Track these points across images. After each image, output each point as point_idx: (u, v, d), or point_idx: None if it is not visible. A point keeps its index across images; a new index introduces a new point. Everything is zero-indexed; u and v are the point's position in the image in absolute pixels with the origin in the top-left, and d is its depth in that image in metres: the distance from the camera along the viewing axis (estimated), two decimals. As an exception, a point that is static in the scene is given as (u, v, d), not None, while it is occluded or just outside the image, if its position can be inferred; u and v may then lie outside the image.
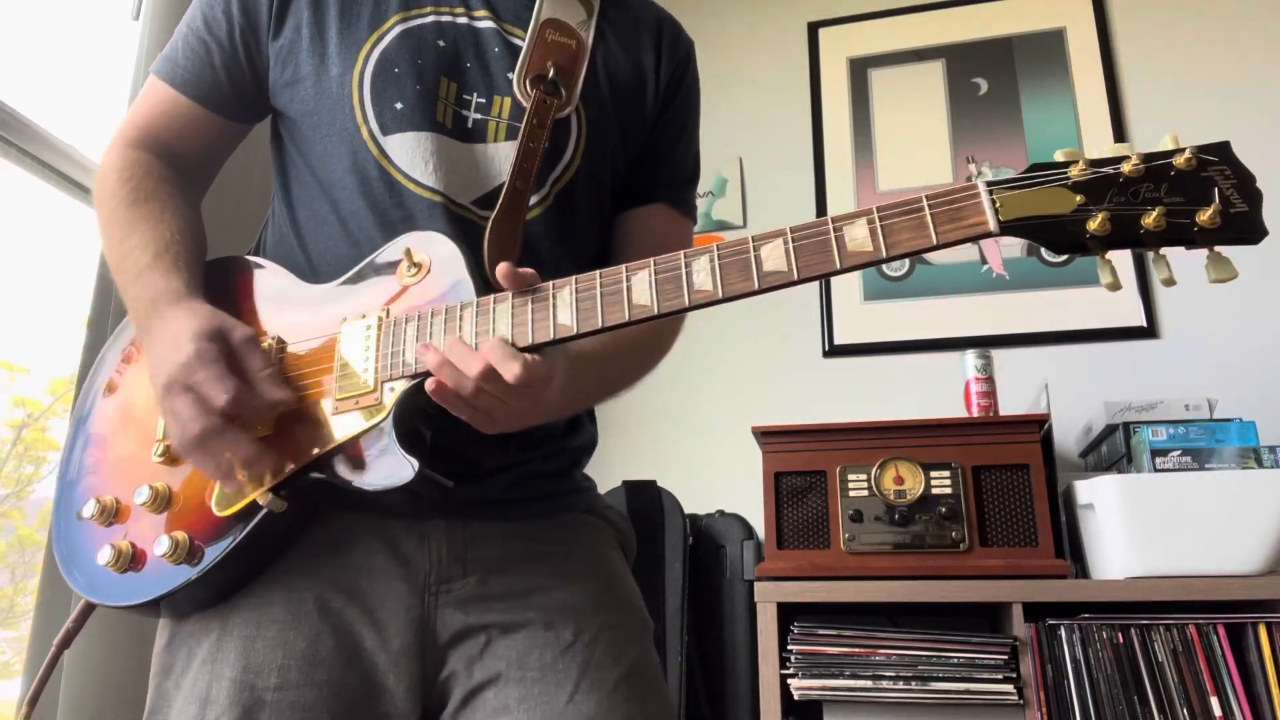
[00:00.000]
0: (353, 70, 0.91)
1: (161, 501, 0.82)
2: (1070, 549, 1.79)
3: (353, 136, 0.90)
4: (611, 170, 0.99)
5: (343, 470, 0.78)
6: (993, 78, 2.49)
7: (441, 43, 0.93)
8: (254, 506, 0.78)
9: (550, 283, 0.77)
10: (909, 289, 2.39)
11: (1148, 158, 0.68)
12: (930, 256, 2.40)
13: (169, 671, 0.83)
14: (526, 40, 0.95)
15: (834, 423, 1.86)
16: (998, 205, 0.69)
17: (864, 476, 1.77)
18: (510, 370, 0.71)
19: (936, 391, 2.19)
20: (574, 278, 0.77)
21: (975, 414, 1.93)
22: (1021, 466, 1.73)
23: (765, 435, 1.85)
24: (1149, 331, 2.21)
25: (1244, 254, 2.25)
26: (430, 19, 0.94)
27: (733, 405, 2.40)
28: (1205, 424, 1.73)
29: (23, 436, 1.66)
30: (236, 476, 0.78)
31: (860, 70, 2.60)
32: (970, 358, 1.98)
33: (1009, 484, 1.74)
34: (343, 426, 0.79)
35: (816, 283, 2.44)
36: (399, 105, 0.90)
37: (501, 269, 0.77)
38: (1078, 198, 0.69)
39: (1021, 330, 2.28)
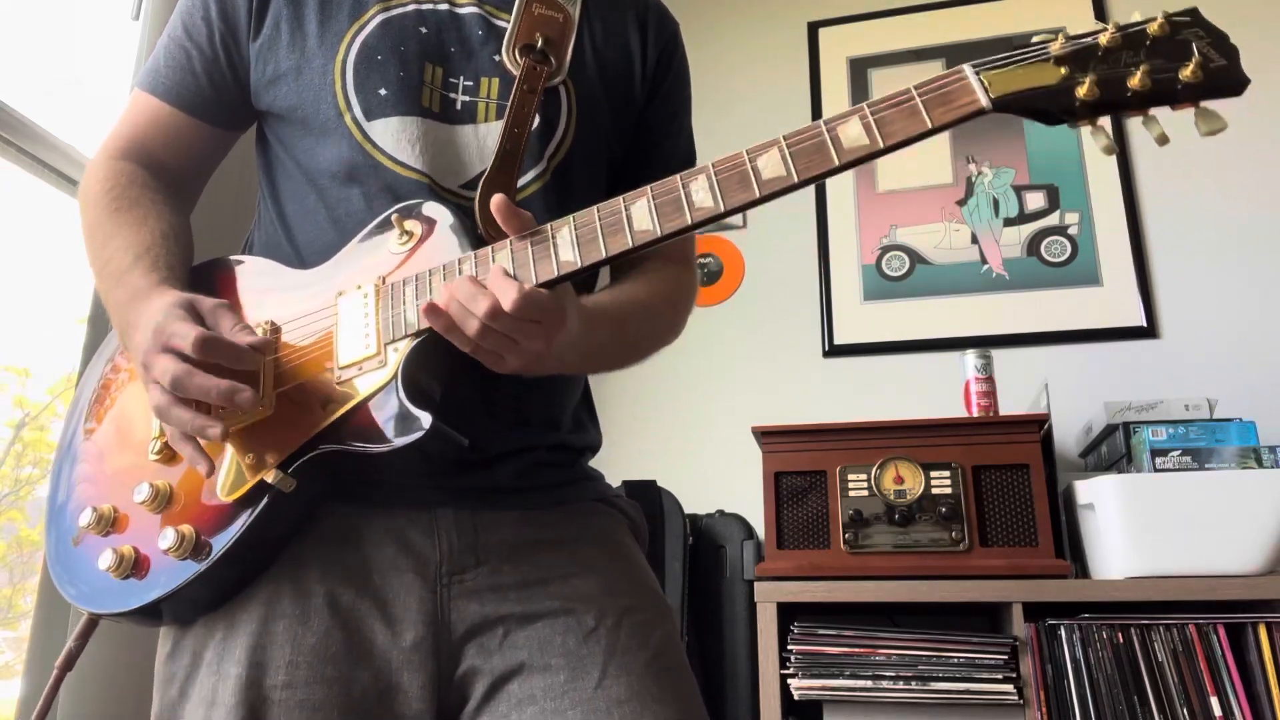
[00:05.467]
0: (334, 60, 0.91)
1: (162, 499, 0.80)
2: (1070, 549, 1.79)
3: (337, 125, 0.89)
4: (606, 149, 0.99)
5: (354, 437, 0.76)
6: (993, 78, 2.49)
7: (424, 29, 0.93)
8: (261, 489, 0.76)
9: (548, 224, 0.76)
10: (909, 289, 2.39)
11: (1122, 27, 0.71)
12: (931, 255, 2.40)
13: (173, 680, 0.81)
14: (513, 15, 0.95)
15: (834, 423, 1.86)
16: (986, 84, 0.70)
17: (864, 476, 1.77)
18: (508, 297, 0.70)
19: (936, 391, 2.19)
20: (571, 216, 0.76)
21: (975, 414, 1.93)
22: (1021, 466, 1.73)
23: (765, 435, 1.85)
24: (1149, 331, 2.21)
25: (1243, 255, 2.24)
26: (411, 8, 0.94)
27: (733, 405, 2.40)
28: (1205, 424, 1.73)
29: (21, 436, 1.66)
30: (210, 430, 0.74)
31: (860, 70, 2.60)
32: (970, 358, 1.98)
33: (1009, 484, 1.74)
34: (349, 393, 0.77)
35: (816, 282, 2.45)
36: (383, 91, 0.89)
37: (497, 199, 0.75)
38: (1062, 69, 0.71)
39: (1021, 330, 2.28)
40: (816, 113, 2.58)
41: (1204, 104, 0.69)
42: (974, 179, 2.44)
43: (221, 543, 0.77)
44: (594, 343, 0.83)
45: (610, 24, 1.02)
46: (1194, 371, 2.15)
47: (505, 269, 0.74)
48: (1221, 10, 2.50)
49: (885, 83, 2.57)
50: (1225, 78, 0.68)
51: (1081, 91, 0.69)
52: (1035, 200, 2.38)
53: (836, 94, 2.59)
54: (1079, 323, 2.26)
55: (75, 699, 1.27)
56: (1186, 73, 0.68)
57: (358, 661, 0.79)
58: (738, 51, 2.71)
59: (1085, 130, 0.72)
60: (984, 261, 2.37)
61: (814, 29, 2.67)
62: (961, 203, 2.42)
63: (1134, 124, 2.49)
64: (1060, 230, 2.34)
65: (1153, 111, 0.70)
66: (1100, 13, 2.45)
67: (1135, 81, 0.68)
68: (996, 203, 2.41)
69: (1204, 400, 1.81)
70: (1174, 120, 0.72)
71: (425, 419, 0.73)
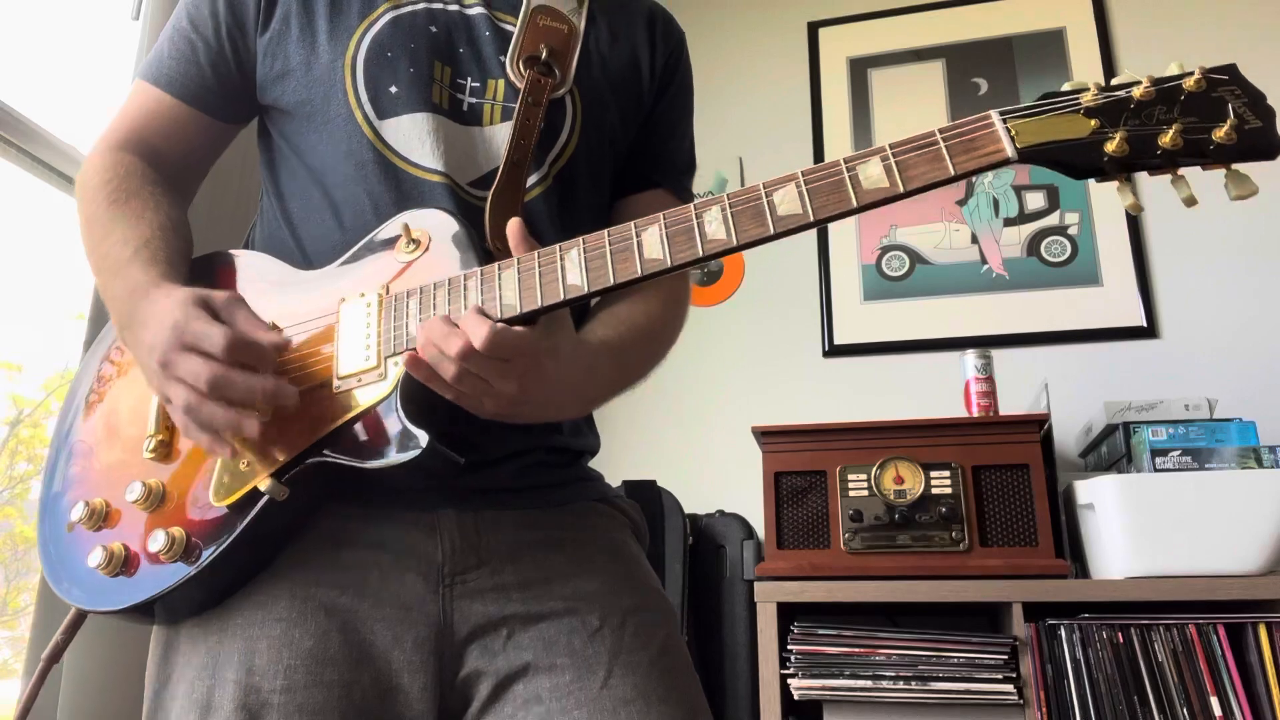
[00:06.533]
0: (344, 56, 0.90)
1: (155, 498, 0.79)
2: (1070, 549, 1.79)
3: (346, 122, 0.89)
4: (610, 154, 0.99)
5: (349, 450, 0.75)
6: (993, 78, 2.49)
7: (433, 28, 0.93)
8: (254, 495, 0.75)
9: (556, 245, 0.75)
10: (909, 289, 2.39)
11: (1158, 81, 0.68)
12: (931, 255, 2.40)
13: (166, 682, 0.80)
14: (518, 24, 0.95)
15: (834, 423, 1.86)
16: (1013, 133, 0.68)
17: (864, 476, 1.77)
18: (479, 335, 0.69)
19: (936, 391, 2.19)
20: (581, 238, 0.74)
21: (975, 414, 1.93)
22: (1021, 466, 1.73)
23: (765, 435, 1.85)
24: (1149, 331, 2.21)
25: (1243, 255, 2.24)
26: (421, 6, 0.94)
27: (733, 405, 2.40)
28: (1205, 424, 1.73)
29: (18, 434, 1.66)
30: (245, 425, 0.73)
31: (860, 70, 2.60)
32: (970, 358, 1.98)
33: (1009, 484, 1.73)
34: (346, 405, 0.76)
35: (816, 282, 2.44)
36: (394, 89, 0.89)
37: (514, 224, 0.75)
38: (1092, 122, 0.68)
39: (1021, 330, 2.28)
40: (816, 113, 2.59)
41: (1235, 166, 0.67)
42: (974, 179, 2.44)
43: (212, 548, 0.76)
44: (596, 382, 0.83)
45: (617, 29, 1.03)
46: (1194, 371, 2.15)
47: (479, 307, 0.73)
48: (1221, 10, 2.49)
49: (885, 83, 2.57)
50: (1260, 140, 0.66)
51: (1111, 147, 0.67)
52: (1035, 200, 2.38)
53: (836, 94, 2.59)
54: (1079, 323, 2.26)
55: (73, 697, 1.26)
56: (1220, 134, 0.66)
57: (357, 664, 0.78)
58: (738, 51, 2.70)
59: (1111, 185, 0.70)
60: (984, 261, 2.37)
61: (814, 29, 2.67)
62: (961, 203, 2.42)
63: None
64: (1060, 230, 2.34)
65: (1182, 171, 0.68)
66: (1100, 13, 2.45)
67: (1167, 140, 0.66)
68: (996, 203, 2.40)
69: (1204, 400, 1.81)
70: (1201, 170, 0.69)
71: (422, 438, 0.72)
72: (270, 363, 0.76)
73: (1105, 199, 2.33)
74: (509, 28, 0.95)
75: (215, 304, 0.77)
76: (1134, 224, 2.30)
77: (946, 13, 2.58)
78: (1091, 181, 2.38)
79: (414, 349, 0.76)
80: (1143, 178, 0.70)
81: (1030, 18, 2.51)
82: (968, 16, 2.56)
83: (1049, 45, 2.47)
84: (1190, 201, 0.68)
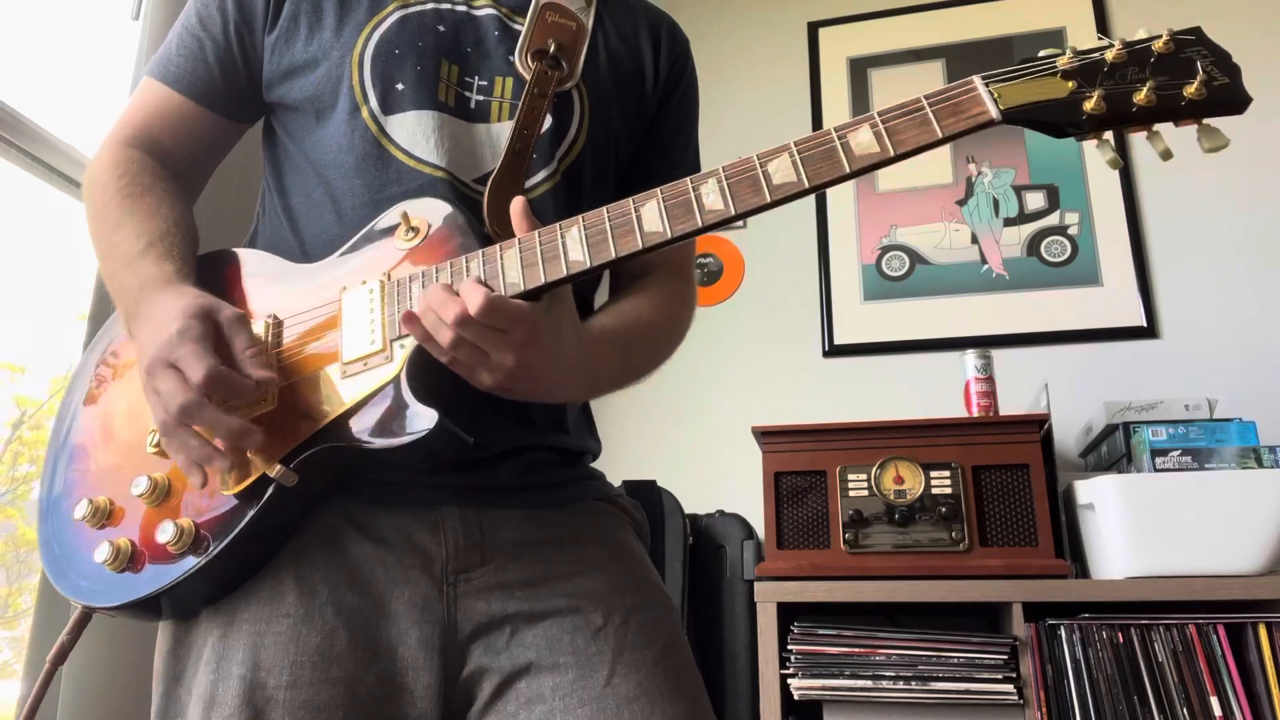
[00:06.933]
0: (352, 53, 0.91)
1: (161, 492, 0.79)
2: (1070, 549, 1.79)
3: (352, 118, 0.89)
4: (615, 155, 0.99)
5: (358, 433, 0.75)
6: (993, 78, 2.49)
7: (441, 27, 0.94)
8: (262, 483, 0.75)
9: (557, 224, 0.75)
10: (909, 289, 2.39)
11: (1129, 44, 0.72)
12: (931, 255, 2.40)
13: (172, 678, 0.80)
14: (527, 21, 0.96)
15: (834, 423, 1.86)
16: (996, 96, 0.71)
17: (864, 476, 1.77)
18: (474, 302, 0.69)
19: (936, 391, 2.19)
20: (580, 216, 0.75)
21: (975, 414, 1.93)
22: (1021, 466, 1.73)
23: (765, 435, 1.85)
24: (1149, 331, 2.21)
25: (1243, 255, 2.23)
26: (430, 6, 0.95)
27: (733, 405, 2.40)
28: (1205, 424, 1.73)
29: (20, 435, 1.66)
30: (215, 461, 0.74)
31: (860, 70, 2.60)
32: (970, 358, 1.98)
33: (1009, 484, 1.74)
34: (353, 389, 0.77)
35: (816, 282, 2.45)
36: (400, 86, 0.90)
37: (518, 201, 0.76)
38: (1069, 84, 0.72)
39: (1021, 330, 2.28)
40: (816, 113, 2.59)
41: (1206, 121, 0.70)
42: (974, 179, 2.44)
43: (221, 537, 0.76)
44: (599, 366, 0.83)
45: (624, 33, 1.04)
46: (1194, 371, 2.15)
47: (479, 277, 0.74)
48: (1222, 7, 2.49)
49: (885, 83, 2.57)
50: (1228, 95, 0.69)
51: (1089, 105, 0.70)
52: (1035, 200, 2.38)
53: (836, 94, 2.59)
54: (1079, 323, 2.26)
55: (74, 697, 1.26)
56: (1190, 90, 0.69)
57: (363, 661, 0.78)
58: (738, 51, 2.71)
59: (1091, 143, 0.73)
60: (984, 261, 2.37)
61: (814, 29, 2.67)
62: (961, 203, 2.42)
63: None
64: (1060, 230, 2.34)
65: (1157, 127, 0.72)
66: (1100, 13, 2.45)
67: (1140, 97, 0.70)
68: (996, 203, 2.41)
69: (1204, 400, 1.81)
70: (1174, 126, 0.73)
71: (431, 416, 0.73)
72: (250, 398, 0.76)
73: (1105, 199, 2.33)
74: (517, 26, 0.96)
75: (219, 317, 0.77)
76: (1134, 224, 2.30)
77: (946, 13, 2.58)
78: (1091, 182, 2.39)
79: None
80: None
81: (1030, 17, 2.51)
82: (967, 16, 2.56)
83: (1049, 45, 2.46)
84: (1166, 155, 0.71)
